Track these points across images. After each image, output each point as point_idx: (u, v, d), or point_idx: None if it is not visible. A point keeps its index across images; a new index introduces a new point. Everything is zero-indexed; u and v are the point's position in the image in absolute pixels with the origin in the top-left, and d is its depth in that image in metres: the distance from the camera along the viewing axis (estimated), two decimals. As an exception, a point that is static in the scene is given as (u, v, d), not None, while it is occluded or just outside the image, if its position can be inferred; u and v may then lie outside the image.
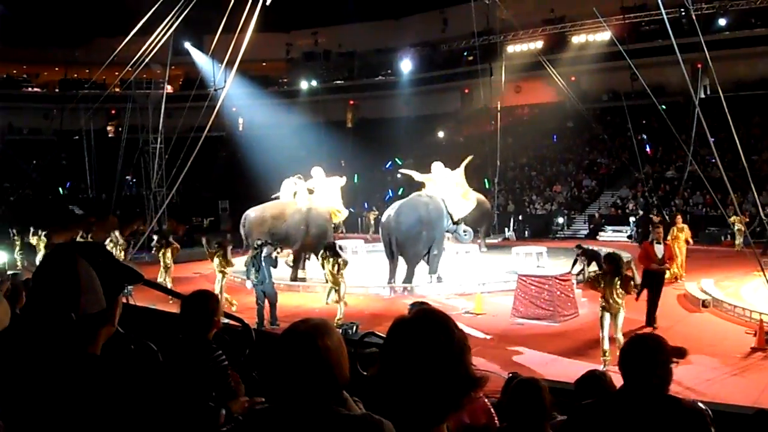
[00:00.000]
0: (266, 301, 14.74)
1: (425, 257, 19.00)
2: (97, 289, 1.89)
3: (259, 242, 15.63)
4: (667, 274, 17.87)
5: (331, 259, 14.52)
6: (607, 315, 10.59)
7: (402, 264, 18.96)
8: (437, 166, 20.83)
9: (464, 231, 20.07)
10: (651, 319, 13.08)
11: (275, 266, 15.36)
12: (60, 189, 42.86)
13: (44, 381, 1.73)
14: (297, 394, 1.97)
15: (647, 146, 35.42)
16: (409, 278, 18.72)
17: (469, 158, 21.45)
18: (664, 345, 3.38)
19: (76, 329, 1.80)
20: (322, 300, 15.27)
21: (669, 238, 18.61)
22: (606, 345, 10.47)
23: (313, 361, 1.97)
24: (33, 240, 24.93)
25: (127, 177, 37.96)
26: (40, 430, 1.74)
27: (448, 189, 20.04)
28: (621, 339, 10.01)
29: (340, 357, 2.05)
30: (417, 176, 21.32)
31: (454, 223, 19.69)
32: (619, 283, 10.47)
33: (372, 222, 34.32)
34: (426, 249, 18.88)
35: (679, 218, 19.65)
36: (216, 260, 16.47)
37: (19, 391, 1.74)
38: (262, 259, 14.75)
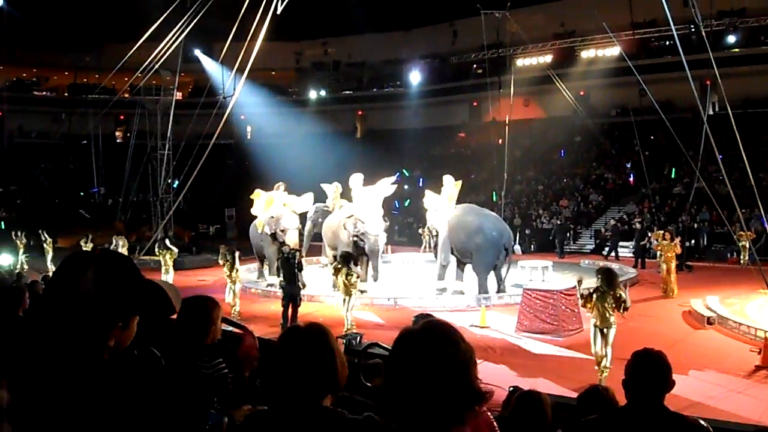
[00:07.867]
0: (290, 304, 14.91)
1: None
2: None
3: (290, 248, 16.40)
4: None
5: (344, 270, 14.47)
6: (599, 333, 10.12)
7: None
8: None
9: None
10: None
11: (300, 270, 15.66)
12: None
13: (52, 384, 1.73)
14: (300, 393, 1.97)
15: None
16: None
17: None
18: (668, 362, 3.38)
19: (90, 336, 1.80)
20: (328, 308, 15.32)
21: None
22: (605, 360, 10.01)
23: (320, 359, 1.98)
24: (46, 244, 25.10)
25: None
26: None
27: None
28: (610, 354, 9.95)
29: (343, 358, 2.07)
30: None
31: None
32: (611, 297, 10.01)
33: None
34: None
35: (666, 234, 19.38)
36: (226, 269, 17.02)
37: (26, 393, 1.74)
38: (295, 264, 15.11)
